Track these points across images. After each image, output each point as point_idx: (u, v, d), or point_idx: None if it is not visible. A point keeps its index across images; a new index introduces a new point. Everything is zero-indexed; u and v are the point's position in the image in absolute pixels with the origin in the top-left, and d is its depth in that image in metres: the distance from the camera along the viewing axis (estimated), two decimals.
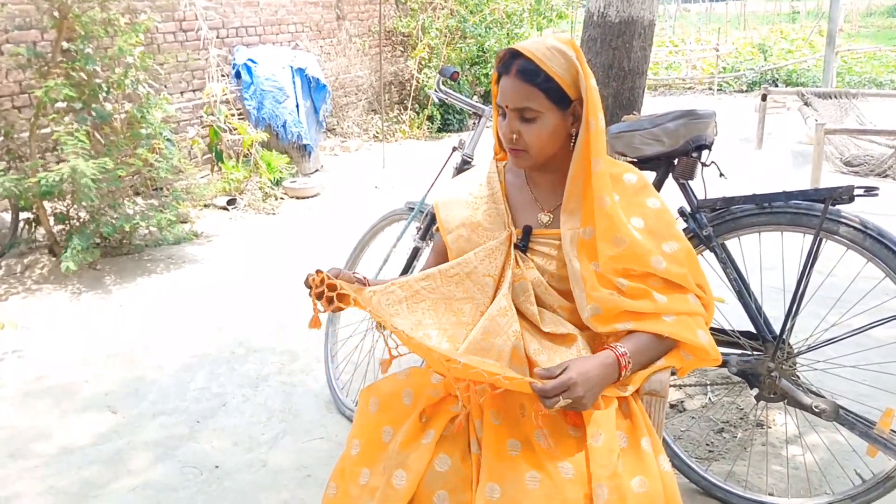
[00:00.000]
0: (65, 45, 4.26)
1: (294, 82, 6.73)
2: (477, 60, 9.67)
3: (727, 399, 2.67)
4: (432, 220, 2.50)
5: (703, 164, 2.10)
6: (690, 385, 2.73)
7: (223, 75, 6.50)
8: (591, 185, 1.43)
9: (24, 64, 4.24)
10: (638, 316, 1.39)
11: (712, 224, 2.05)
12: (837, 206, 1.89)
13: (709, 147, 2.07)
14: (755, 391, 1.99)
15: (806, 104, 6.84)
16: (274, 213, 5.76)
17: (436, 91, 2.54)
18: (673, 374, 1.45)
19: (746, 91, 12.45)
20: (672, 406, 2.67)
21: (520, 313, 1.47)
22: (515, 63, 1.41)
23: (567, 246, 1.46)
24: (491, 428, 1.32)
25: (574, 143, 1.45)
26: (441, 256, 1.63)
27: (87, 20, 4.25)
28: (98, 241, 4.43)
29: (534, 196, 1.56)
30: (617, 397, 1.34)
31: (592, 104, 1.41)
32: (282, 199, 6.06)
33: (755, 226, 2.02)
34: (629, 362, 1.33)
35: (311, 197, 6.19)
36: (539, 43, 1.42)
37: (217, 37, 6.50)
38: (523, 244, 1.51)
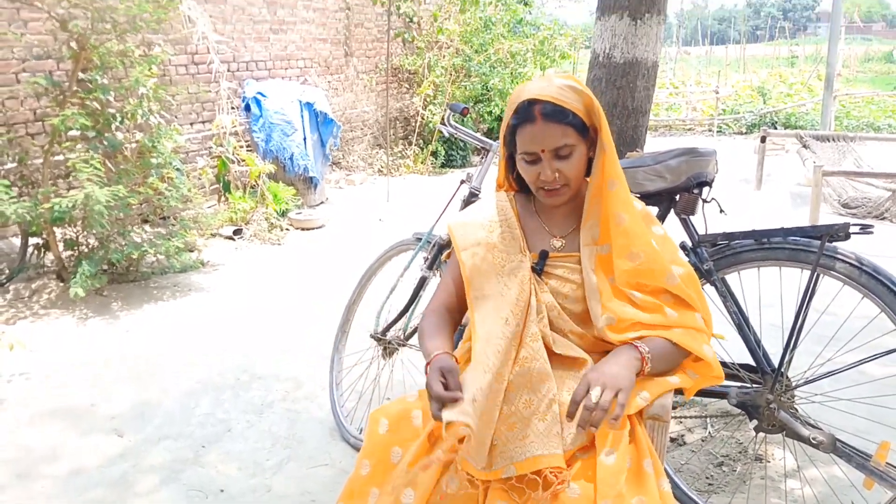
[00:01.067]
0: (80, 75, 4.38)
1: (302, 116, 6.86)
2: (481, 98, 9.84)
3: (726, 433, 2.70)
4: (440, 250, 2.56)
5: (704, 201, 2.17)
6: (691, 417, 2.76)
7: (233, 108, 6.63)
8: (608, 204, 1.52)
9: (41, 92, 4.35)
10: (649, 327, 1.48)
11: (713, 258, 2.12)
12: (834, 244, 1.96)
13: (709, 184, 2.15)
14: (754, 423, 2.03)
15: (804, 146, 6.95)
16: (279, 244, 5.83)
17: (445, 125, 2.62)
18: (678, 394, 1.50)
19: (746, 133, 12.63)
20: (672, 440, 2.70)
21: None
22: (537, 109, 1.49)
23: (586, 261, 1.54)
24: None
25: (588, 167, 1.56)
26: (455, 279, 1.68)
27: (105, 51, 4.38)
28: (105, 267, 4.49)
29: (543, 224, 1.64)
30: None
31: (605, 129, 1.51)
32: (287, 229, 6.14)
33: (754, 261, 2.08)
34: (647, 356, 1.41)
35: (316, 228, 6.27)
36: (548, 86, 1.50)
37: (228, 70, 6.65)
38: (539, 267, 1.57)
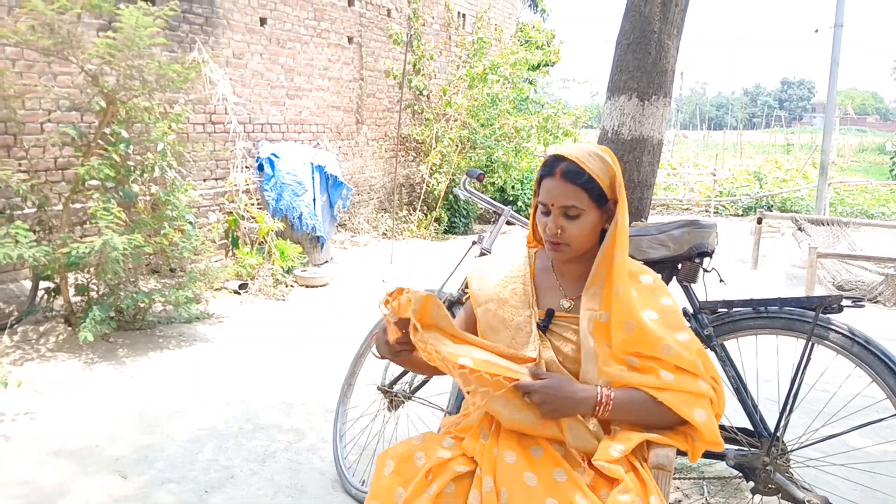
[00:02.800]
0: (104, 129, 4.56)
1: (313, 178, 7.06)
2: (485, 169, 10.10)
3: (722, 499, 2.74)
4: (450, 306, 2.66)
5: (705, 270, 2.29)
6: (689, 478, 2.81)
7: (247, 167, 6.83)
8: (611, 274, 1.59)
9: (67, 142, 4.53)
10: (640, 386, 1.53)
11: (713, 325, 2.22)
12: (828, 315, 2.07)
13: (710, 254, 2.27)
14: (751, 485, 2.09)
15: (800, 229, 7.14)
16: (284, 300, 5.92)
17: (461, 189, 2.76)
18: (681, 454, 1.58)
19: (742, 215, 12.89)
20: None
21: None
22: (560, 165, 1.58)
23: (584, 324, 1.59)
24: (506, 467, 1.45)
25: (601, 236, 1.64)
26: (471, 320, 1.76)
27: (131, 107, 4.58)
28: (113, 314, 4.56)
29: (558, 283, 1.71)
30: (629, 461, 1.46)
31: (622, 205, 1.60)
32: (292, 286, 6.24)
33: (752, 329, 2.19)
34: (609, 403, 1.50)
35: (321, 286, 6.37)
36: (580, 148, 1.61)
37: (244, 131, 6.88)
38: (545, 324, 1.65)
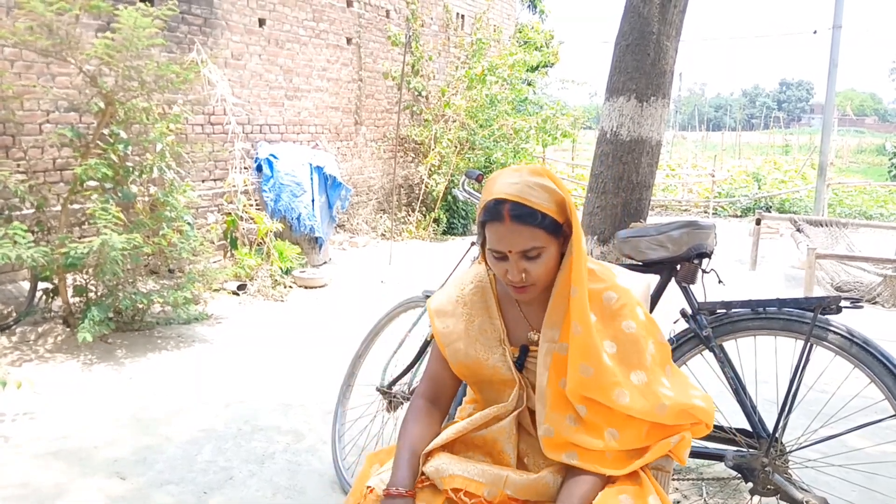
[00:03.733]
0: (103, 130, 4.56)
1: (312, 178, 7.06)
2: (484, 170, 10.11)
3: (721, 500, 2.75)
4: None
5: (704, 271, 2.29)
6: (688, 479, 2.81)
7: (245, 167, 6.83)
8: (569, 308, 1.49)
9: (66, 143, 4.53)
10: (583, 452, 1.45)
11: (712, 326, 2.22)
12: (826, 316, 2.07)
13: (709, 255, 2.27)
14: (750, 485, 2.09)
15: (798, 230, 7.15)
16: (282, 301, 5.92)
17: (460, 190, 2.77)
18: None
19: (741, 216, 12.91)
20: None
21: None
22: (505, 208, 1.43)
23: (541, 358, 1.52)
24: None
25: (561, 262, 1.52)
26: (440, 363, 1.67)
27: (130, 108, 4.57)
28: (111, 315, 4.56)
29: (523, 314, 1.61)
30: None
31: (577, 230, 1.48)
32: (290, 287, 6.24)
33: (750, 330, 2.19)
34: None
35: (319, 287, 6.37)
36: (519, 184, 1.45)
37: (242, 131, 6.88)
38: (520, 362, 1.57)
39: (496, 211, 1.44)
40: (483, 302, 1.63)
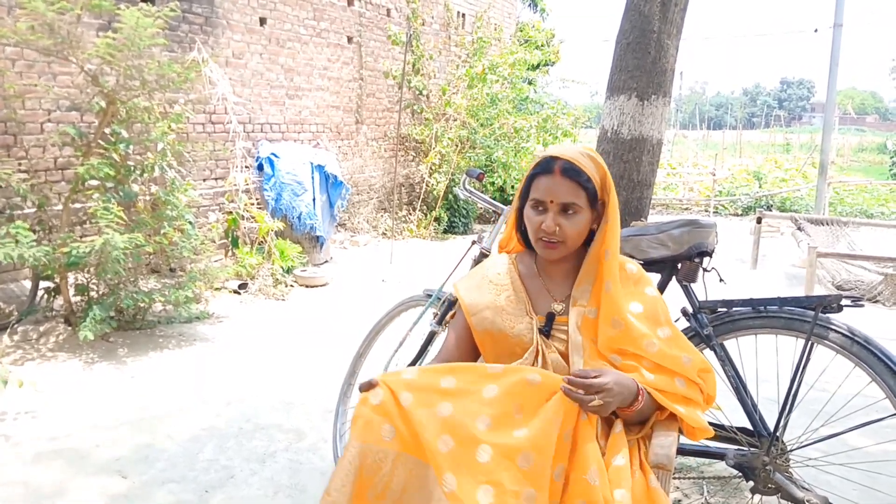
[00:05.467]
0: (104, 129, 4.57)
1: (313, 177, 7.06)
2: (484, 169, 10.10)
3: (722, 499, 2.75)
4: (449, 306, 2.66)
5: (705, 270, 2.29)
6: (689, 478, 2.81)
7: (246, 166, 6.83)
8: (601, 272, 1.62)
9: (67, 142, 4.53)
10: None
11: (713, 324, 2.22)
12: (827, 315, 2.07)
13: (710, 254, 2.27)
14: (751, 484, 2.09)
15: (799, 229, 7.14)
16: (283, 300, 5.92)
17: (461, 189, 2.77)
18: (680, 455, 1.58)
19: (741, 215, 12.90)
20: None
21: None
22: (557, 164, 1.61)
23: (573, 321, 1.63)
24: None
25: (590, 237, 1.68)
26: (461, 339, 1.75)
27: (132, 107, 4.58)
28: (113, 314, 4.57)
29: (546, 287, 1.72)
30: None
31: (613, 205, 1.63)
32: (292, 286, 6.24)
33: (751, 328, 2.19)
34: (644, 396, 1.51)
35: (320, 286, 6.38)
36: (573, 148, 1.64)
37: (244, 131, 6.88)
38: (547, 329, 1.66)
39: (548, 165, 1.62)
40: (508, 279, 1.74)
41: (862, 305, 2.07)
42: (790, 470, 2.10)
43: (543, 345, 1.64)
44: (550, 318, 1.66)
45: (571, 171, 1.60)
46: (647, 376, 1.55)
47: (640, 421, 1.57)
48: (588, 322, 1.62)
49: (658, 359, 1.56)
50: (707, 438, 2.13)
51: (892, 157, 21.72)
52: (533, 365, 1.62)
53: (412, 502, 1.39)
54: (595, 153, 1.66)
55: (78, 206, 4.82)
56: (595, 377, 1.43)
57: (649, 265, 2.33)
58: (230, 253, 6.50)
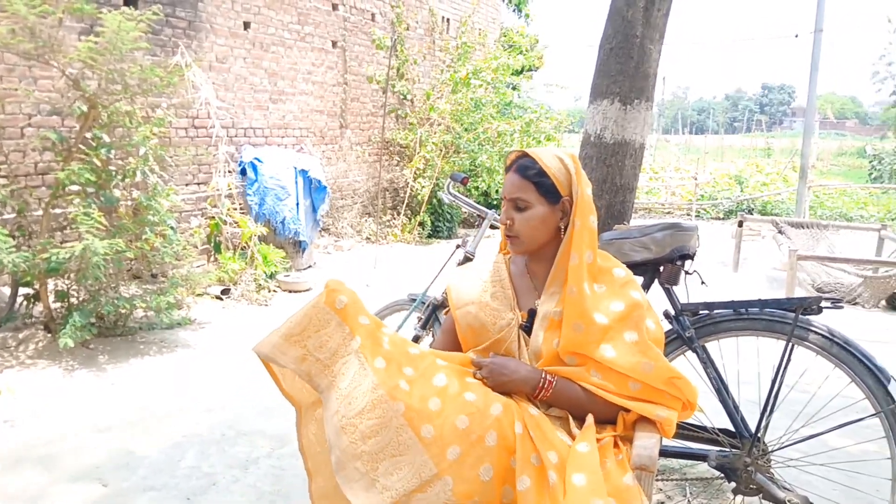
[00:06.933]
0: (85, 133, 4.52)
1: (296, 182, 7.04)
2: (469, 173, 10.12)
3: (705, 500, 2.76)
4: (433, 310, 2.66)
5: (686, 272, 2.31)
6: (671, 480, 2.82)
7: (229, 171, 6.79)
8: (567, 274, 1.64)
9: (48, 147, 4.48)
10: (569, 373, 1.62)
11: (694, 327, 2.24)
12: (807, 317, 2.09)
13: (691, 257, 2.29)
14: (733, 485, 2.11)
15: (780, 232, 7.22)
16: (266, 305, 5.89)
17: (446, 193, 2.77)
18: (663, 457, 1.59)
19: (723, 219, 13.01)
20: None
21: None
22: (518, 162, 1.69)
23: (538, 321, 1.66)
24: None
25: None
26: (450, 335, 1.80)
27: (113, 111, 4.54)
28: (93, 321, 4.52)
29: (532, 284, 1.76)
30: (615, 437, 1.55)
31: (580, 207, 1.64)
32: (275, 291, 6.21)
33: (732, 330, 2.21)
34: (550, 387, 1.57)
35: (304, 291, 6.35)
36: (546, 149, 1.69)
37: (227, 135, 6.84)
38: (528, 325, 1.69)
39: (513, 162, 1.70)
40: (497, 275, 1.80)
41: (841, 307, 2.09)
42: (771, 470, 2.11)
43: (524, 340, 1.68)
44: (532, 314, 1.70)
45: (523, 168, 1.66)
46: (593, 377, 1.58)
47: (606, 420, 1.60)
48: (553, 324, 1.64)
49: (610, 364, 1.56)
50: (689, 440, 2.15)
51: (871, 162, 22.00)
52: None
53: (340, 368, 1.48)
54: (568, 154, 1.69)
55: (58, 211, 4.77)
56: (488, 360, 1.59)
57: (632, 268, 2.34)
58: (213, 258, 6.46)
